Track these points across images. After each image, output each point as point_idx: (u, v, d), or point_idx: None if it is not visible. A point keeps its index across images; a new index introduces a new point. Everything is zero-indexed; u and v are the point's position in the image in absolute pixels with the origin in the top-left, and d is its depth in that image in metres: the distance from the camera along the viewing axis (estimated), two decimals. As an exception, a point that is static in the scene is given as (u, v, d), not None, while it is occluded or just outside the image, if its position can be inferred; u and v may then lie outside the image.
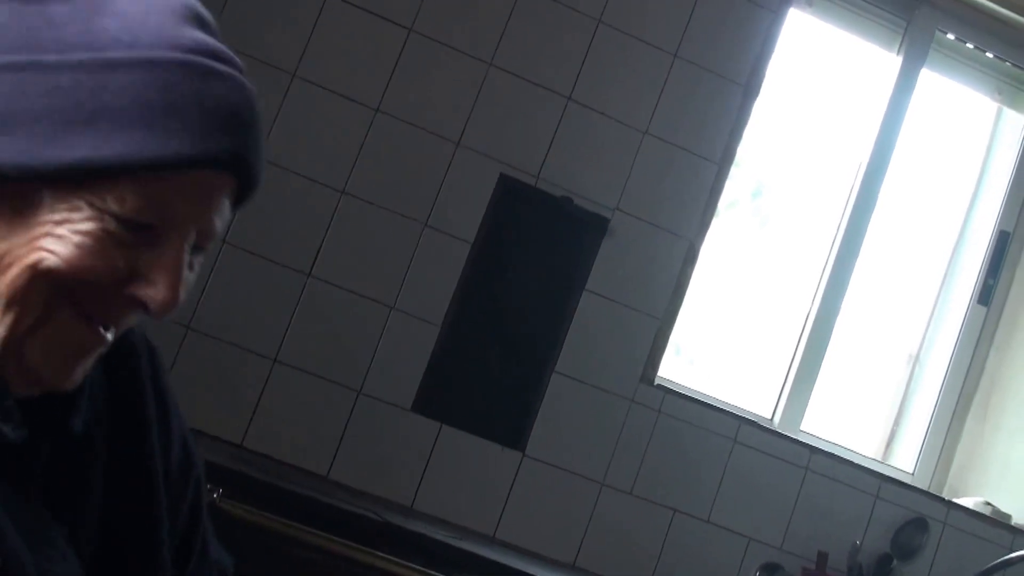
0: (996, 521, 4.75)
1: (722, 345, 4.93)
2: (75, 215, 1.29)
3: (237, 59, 1.39)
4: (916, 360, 5.08)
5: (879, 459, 5.00)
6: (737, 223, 4.92)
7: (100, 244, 1.30)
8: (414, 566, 3.39)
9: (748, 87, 4.58)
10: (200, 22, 1.37)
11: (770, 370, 4.89)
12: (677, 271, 4.50)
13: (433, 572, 3.41)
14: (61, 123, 1.27)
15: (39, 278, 1.29)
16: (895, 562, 4.59)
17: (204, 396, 4.05)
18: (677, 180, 4.51)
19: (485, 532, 4.31)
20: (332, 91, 4.23)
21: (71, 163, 1.27)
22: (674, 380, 4.65)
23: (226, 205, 1.40)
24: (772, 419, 4.80)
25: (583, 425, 4.40)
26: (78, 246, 1.29)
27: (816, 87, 5.04)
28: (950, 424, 4.99)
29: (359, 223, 4.24)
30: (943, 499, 4.78)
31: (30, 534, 1.33)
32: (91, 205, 1.29)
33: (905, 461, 4.99)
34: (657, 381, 4.50)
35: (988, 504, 4.76)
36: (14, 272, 1.29)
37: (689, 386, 4.68)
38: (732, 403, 4.73)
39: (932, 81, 5.11)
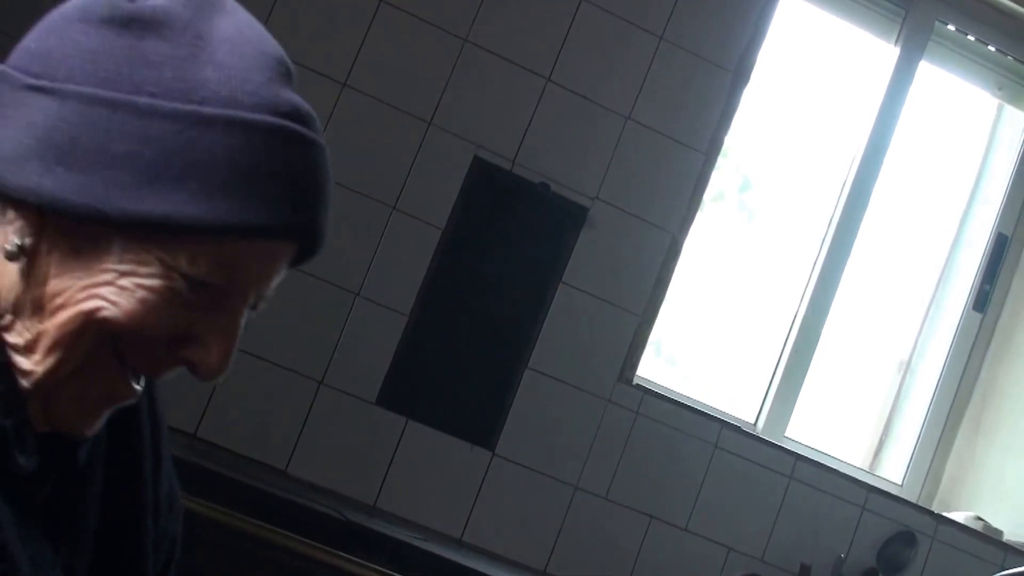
0: (987, 537, 4.63)
1: (705, 345, 4.81)
2: (142, 268, 1.26)
3: (315, 116, 1.37)
4: (907, 367, 4.97)
5: (867, 469, 4.88)
6: (723, 217, 4.78)
7: (164, 302, 1.27)
8: (376, 567, 3.30)
9: (737, 74, 4.44)
10: (289, 78, 1.36)
11: (754, 373, 4.77)
12: (659, 265, 4.37)
13: (395, 574, 3.32)
14: (145, 174, 1.23)
15: (92, 326, 1.26)
16: (881, 576, 4.46)
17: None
18: (661, 169, 4.37)
19: (452, 534, 4.17)
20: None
21: (151, 218, 1.24)
22: (654, 380, 4.51)
23: (284, 268, 1.38)
24: (756, 424, 4.67)
25: (557, 425, 4.26)
26: (141, 301, 1.26)
27: (809, 77, 4.92)
28: (941, 434, 4.87)
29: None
30: (932, 512, 4.67)
31: (37, 564, 1.31)
32: (161, 261, 1.26)
33: (894, 472, 4.87)
34: (636, 381, 4.37)
35: (979, 519, 4.65)
36: (67, 315, 1.26)
37: (669, 387, 4.54)
38: (714, 406, 4.59)
39: (931, 74, 4.98)
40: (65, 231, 1.26)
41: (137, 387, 1.35)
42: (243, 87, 1.27)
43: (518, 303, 4.22)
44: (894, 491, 4.71)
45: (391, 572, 3.30)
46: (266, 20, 3.98)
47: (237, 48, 1.30)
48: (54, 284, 1.27)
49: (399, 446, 4.11)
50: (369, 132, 4.12)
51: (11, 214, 1.27)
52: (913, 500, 4.72)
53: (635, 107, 4.34)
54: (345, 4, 4.14)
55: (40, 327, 1.28)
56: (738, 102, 4.46)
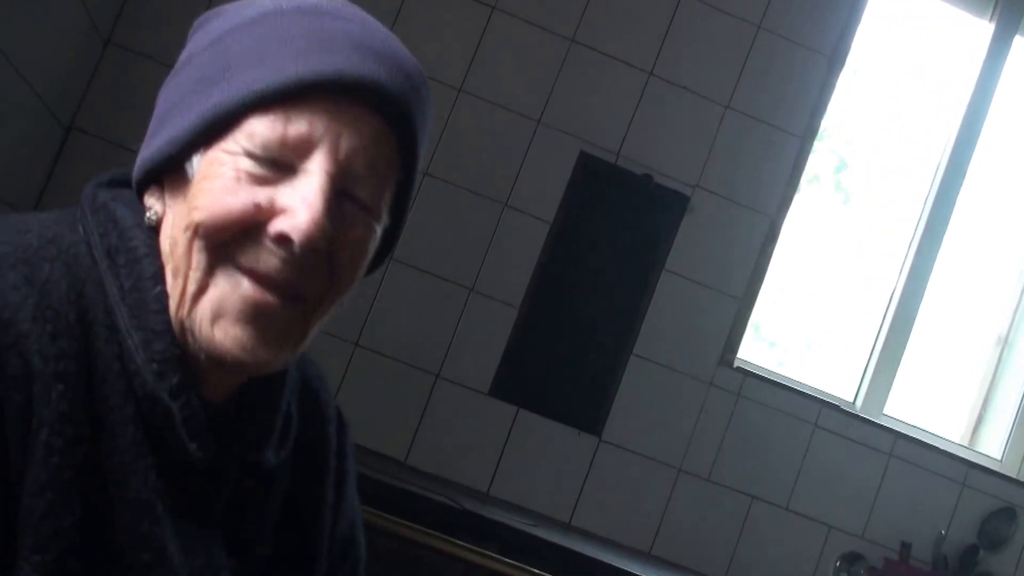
0: (1088, 511, 4.61)
1: (803, 326, 4.80)
2: (214, 167, 1.35)
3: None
4: (1005, 342, 4.93)
5: (966, 445, 4.86)
6: (820, 199, 4.79)
7: (235, 184, 1.33)
8: (489, 553, 3.38)
9: (833, 58, 4.46)
10: None
11: (852, 352, 4.77)
12: (757, 249, 4.42)
13: (508, 559, 3.39)
14: (196, 92, 1.38)
15: (195, 237, 1.33)
16: (982, 553, 4.49)
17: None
18: (758, 155, 4.41)
19: (561, 519, 4.25)
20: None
21: (202, 117, 1.35)
22: (754, 362, 4.55)
23: (372, 146, 1.39)
24: (854, 403, 4.69)
25: (660, 409, 4.33)
26: (215, 190, 1.34)
27: (904, 57, 4.89)
28: (1041, 408, 4.83)
29: (439, 204, 4.19)
30: (1033, 487, 4.66)
31: (195, 555, 1.37)
32: (226, 152, 1.35)
33: (993, 447, 4.84)
34: (736, 363, 4.42)
35: (1080, 493, 4.62)
36: (179, 242, 1.35)
37: (769, 369, 4.58)
38: (813, 386, 4.62)
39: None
40: (173, 186, 1.40)
41: (268, 295, 1.34)
42: None
43: (623, 292, 4.29)
44: (994, 467, 4.70)
45: (503, 557, 3.38)
46: (391, 25, 4.08)
47: None
48: (172, 228, 1.38)
49: (510, 435, 4.21)
50: (482, 133, 4.22)
51: (147, 199, 1.43)
52: (1013, 475, 4.70)
53: (733, 95, 4.38)
54: (460, 14, 4.24)
55: (172, 267, 1.36)
56: (834, 86, 4.48)
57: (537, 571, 3.41)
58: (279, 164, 1.34)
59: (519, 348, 4.22)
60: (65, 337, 1.26)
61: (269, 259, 1.33)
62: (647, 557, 4.27)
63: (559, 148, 4.27)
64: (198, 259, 1.33)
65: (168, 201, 1.40)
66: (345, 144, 1.36)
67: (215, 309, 1.33)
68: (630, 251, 4.30)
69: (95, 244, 1.36)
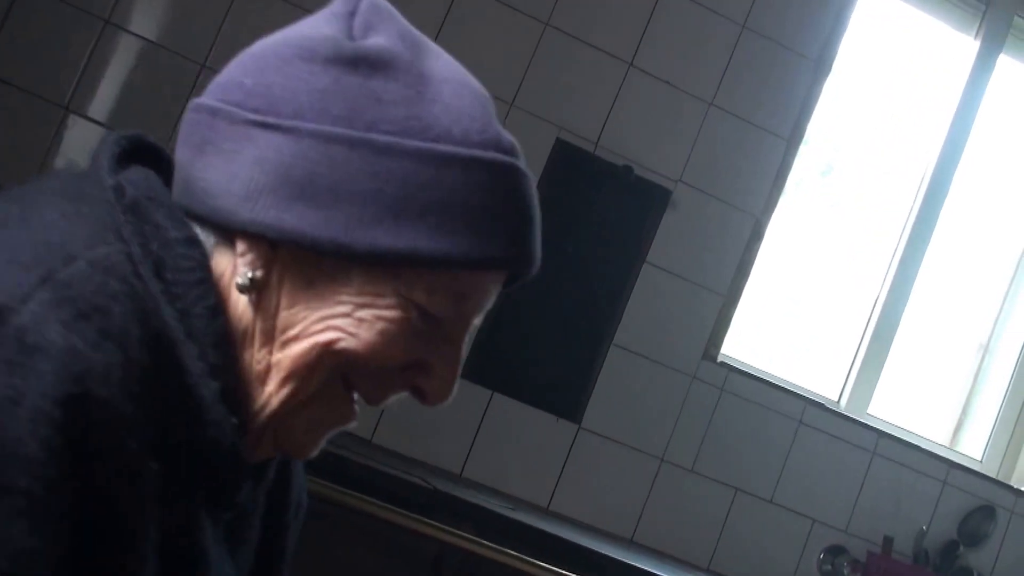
0: (1067, 513, 4.64)
1: (788, 325, 4.83)
2: (380, 300, 1.29)
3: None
4: (986, 349, 5.00)
5: (947, 445, 4.91)
6: (806, 201, 4.82)
7: (401, 333, 1.29)
8: (463, 534, 3.36)
9: (819, 63, 4.51)
10: (495, 111, 1.38)
11: (838, 352, 4.81)
12: (742, 247, 4.44)
13: (483, 541, 3.37)
14: (388, 209, 1.25)
15: (328, 356, 1.28)
16: (962, 549, 4.54)
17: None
18: (744, 154, 4.44)
19: (539, 503, 4.25)
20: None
21: (396, 252, 1.26)
22: (738, 358, 4.57)
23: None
24: (839, 401, 4.73)
25: (642, 400, 4.34)
26: (380, 332, 1.28)
27: (890, 67, 4.95)
28: (1020, 413, 4.89)
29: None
30: (1012, 487, 4.71)
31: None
32: (398, 293, 1.29)
33: (974, 448, 4.90)
34: (720, 358, 4.44)
35: (1058, 495, 4.66)
36: (302, 347, 1.28)
37: (754, 365, 4.60)
38: (798, 384, 4.65)
39: (1011, 68, 5.02)
40: (298, 263, 1.28)
41: (356, 409, 1.36)
42: (472, 126, 1.30)
43: (603, 282, 4.30)
44: (974, 467, 4.75)
45: (479, 539, 3.36)
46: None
47: (457, 88, 1.33)
48: (286, 315, 1.29)
49: (484, 418, 4.20)
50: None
51: (241, 247, 1.28)
52: (993, 475, 4.75)
53: (717, 93, 4.42)
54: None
55: (272, 358, 1.29)
56: (820, 91, 4.53)
57: (514, 553, 3.38)
58: (437, 323, 1.32)
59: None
60: (149, 398, 1.16)
61: (388, 393, 1.36)
62: (629, 544, 4.28)
63: (534, 133, 4.25)
64: (323, 377, 1.30)
65: (282, 275, 1.30)
66: (487, 307, 1.38)
67: (312, 422, 1.34)
68: (610, 241, 4.31)
69: (137, 257, 1.22)
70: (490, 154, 1.30)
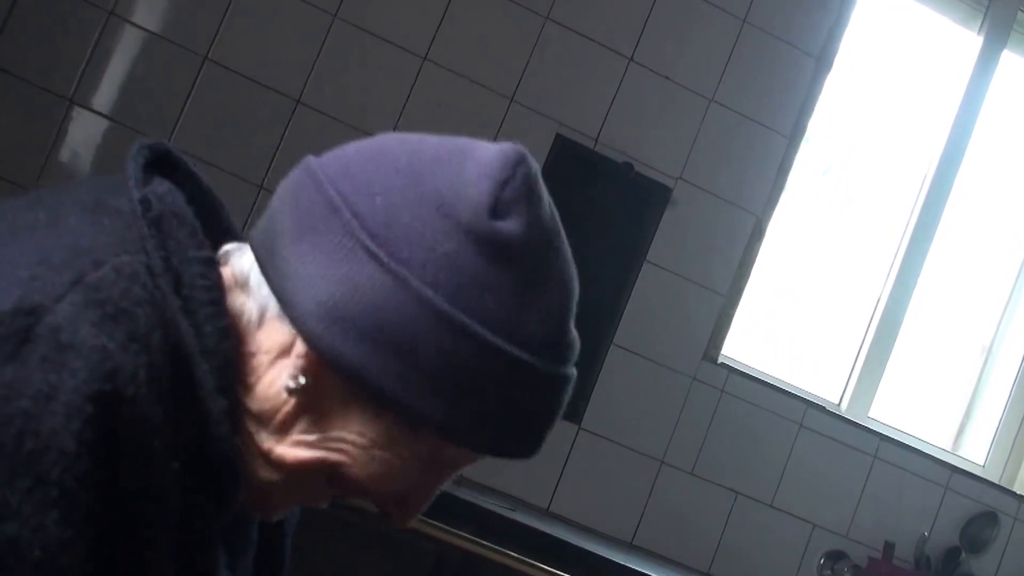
0: (1070, 518, 4.62)
1: (790, 326, 4.81)
2: (396, 446, 1.32)
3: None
4: (989, 352, 4.97)
5: (949, 450, 4.89)
6: (808, 199, 4.79)
7: (400, 475, 1.34)
8: (464, 535, 3.36)
9: (821, 59, 4.47)
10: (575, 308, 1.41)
11: (839, 354, 4.78)
12: (743, 247, 4.41)
13: (483, 541, 3.37)
14: (443, 384, 1.26)
15: (327, 471, 1.33)
16: (963, 555, 4.51)
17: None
18: (745, 152, 4.40)
19: (539, 505, 4.22)
20: (376, 35, 4.12)
21: (433, 420, 1.27)
22: (738, 359, 4.53)
23: None
24: (840, 404, 4.70)
25: (643, 400, 4.31)
26: (384, 471, 1.32)
27: (892, 64, 4.92)
28: (1023, 417, 4.86)
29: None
30: (1015, 493, 4.68)
31: None
32: (411, 446, 1.33)
33: (976, 453, 4.88)
34: (720, 360, 4.40)
35: (1061, 500, 4.64)
36: (310, 455, 1.32)
37: (754, 366, 4.57)
38: (798, 386, 4.62)
39: (1014, 64, 4.99)
40: (342, 386, 1.29)
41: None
42: (554, 339, 1.32)
43: (603, 280, 4.26)
44: (977, 472, 4.72)
45: (479, 539, 3.36)
46: None
47: (560, 294, 1.34)
48: (309, 421, 1.32)
49: (486, 418, 4.15)
50: (451, 106, 4.17)
51: (300, 349, 1.29)
52: (995, 481, 4.72)
53: (718, 89, 4.37)
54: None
55: (277, 448, 1.33)
56: (821, 87, 4.49)
57: (514, 554, 3.38)
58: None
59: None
60: (170, 399, 1.22)
61: (357, 499, 1.39)
62: (629, 547, 4.25)
63: (534, 128, 4.22)
64: (316, 481, 1.35)
65: (322, 384, 1.31)
66: None
67: (288, 499, 1.39)
68: (609, 239, 4.27)
69: (157, 269, 1.26)
70: (556, 367, 1.31)
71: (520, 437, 1.33)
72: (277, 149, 4.03)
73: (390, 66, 4.14)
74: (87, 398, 1.11)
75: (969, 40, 4.87)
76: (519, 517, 3.67)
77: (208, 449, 1.26)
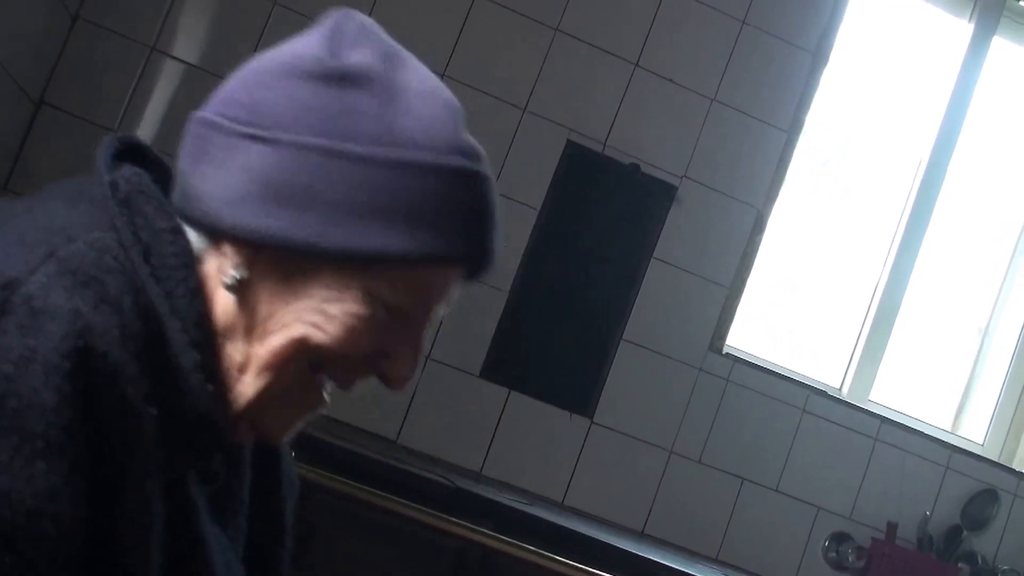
0: (1068, 494, 4.69)
1: (791, 314, 4.88)
2: (348, 296, 1.38)
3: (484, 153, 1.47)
4: (986, 331, 5.04)
5: (949, 430, 4.95)
6: (806, 192, 4.86)
7: (367, 327, 1.39)
8: (484, 530, 3.41)
9: (817, 54, 4.55)
10: (463, 121, 1.48)
11: (839, 340, 4.86)
12: (745, 239, 4.49)
13: (502, 536, 3.43)
14: (358, 213, 1.35)
15: (301, 349, 1.38)
16: (965, 533, 4.57)
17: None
18: (745, 148, 4.49)
19: (554, 498, 4.31)
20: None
21: (363, 251, 1.35)
22: (742, 349, 4.62)
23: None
24: (841, 389, 4.78)
25: (651, 393, 4.40)
26: (347, 327, 1.38)
27: (886, 55, 4.98)
28: (1021, 394, 4.93)
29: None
30: (1014, 470, 4.75)
31: (219, 548, 1.44)
32: (366, 290, 1.38)
33: (975, 432, 4.95)
34: (725, 350, 4.49)
35: (1060, 476, 4.71)
36: (278, 340, 1.38)
37: (757, 355, 4.65)
38: (801, 372, 4.70)
39: (1005, 50, 5.05)
40: (277, 264, 1.38)
41: (328, 397, 1.47)
42: (439, 135, 1.40)
43: (612, 278, 4.36)
44: (976, 451, 4.79)
45: (498, 535, 3.42)
46: (371, 11, 4.14)
47: (427, 99, 1.42)
48: (265, 311, 1.38)
49: (502, 416, 4.27)
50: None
51: (227, 248, 1.38)
52: (995, 459, 4.79)
53: (719, 89, 4.46)
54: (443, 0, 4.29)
55: (251, 350, 1.39)
56: (818, 81, 4.57)
57: (532, 548, 3.43)
58: (400, 315, 1.42)
59: (509, 332, 4.27)
60: (144, 356, 1.28)
61: (355, 381, 1.46)
62: (640, 536, 4.34)
63: (546, 136, 4.33)
64: (296, 369, 1.40)
65: (261, 272, 1.39)
66: (448, 300, 1.48)
67: (284, 411, 1.44)
68: (618, 239, 4.37)
69: (127, 242, 1.33)
70: (454, 160, 1.40)
71: (459, 237, 1.39)
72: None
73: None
74: (63, 355, 1.18)
75: (960, 28, 4.93)
76: (536, 511, 3.71)
77: (185, 402, 1.32)
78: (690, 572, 3.70)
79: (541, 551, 3.45)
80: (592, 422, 4.34)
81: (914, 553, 4.48)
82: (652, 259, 4.39)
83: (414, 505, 3.35)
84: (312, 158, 1.35)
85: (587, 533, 3.71)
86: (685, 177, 4.41)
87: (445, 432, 4.23)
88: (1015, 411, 4.91)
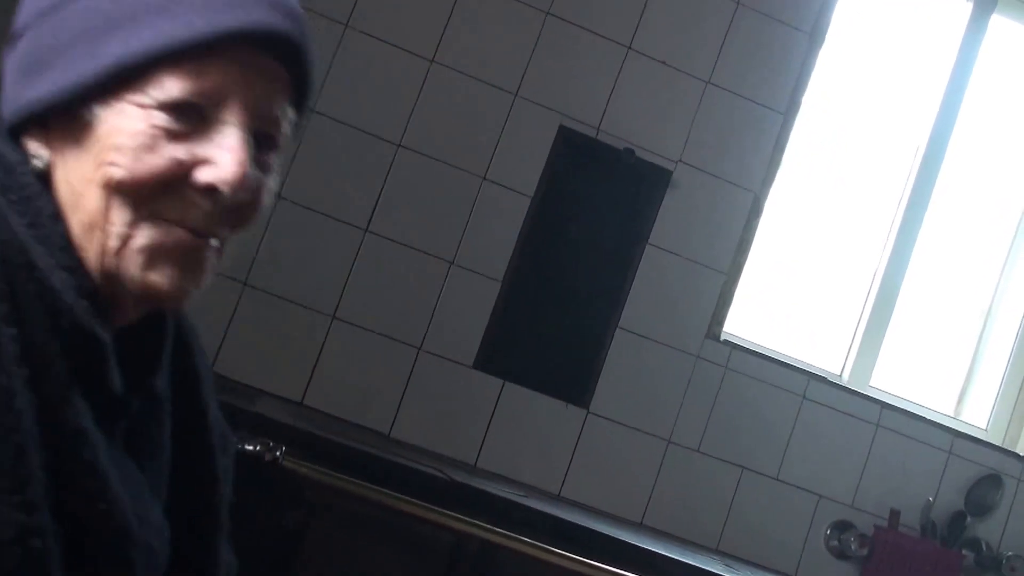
0: (1073, 477, 4.65)
1: (789, 299, 4.83)
2: (124, 120, 1.35)
3: None
4: (988, 314, 4.99)
5: (951, 415, 4.91)
6: (804, 173, 4.81)
7: (154, 140, 1.36)
8: (480, 523, 3.38)
9: (813, 35, 4.50)
10: None
11: (839, 324, 4.81)
12: (742, 224, 4.44)
13: (498, 529, 3.40)
14: (93, 38, 1.36)
15: (113, 193, 1.36)
16: (969, 519, 4.54)
17: (264, 354, 4.04)
18: (741, 131, 4.44)
19: (550, 490, 4.27)
20: (386, 42, 4.17)
21: (107, 66, 1.35)
22: (740, 335, 4.57)
23: (277, 93, 1.45)
24: (841, 375, 4.73)
25: (648, 382, 4.35)
26: (135, 148, 1.35)
27: (883, 34, 4.92)
28: (1024, 378, 4.88)
29: (416, 177, 4.19)
30: (1018, 455, 4.71)
31: (127, 483, 1.39)
32: (137, 105, 1.35)
33: (978, 416, 4.90)
34: (723, 337, 4.45)
35: (1064, 459, 4.67)
36: (90, 196, 1.37)
37: (756, 342, 4.61)
38: (800, 358, 4.65)
39: (1004, 28, 5.00)
40: (65, 131, 1.39)
41: (206, 240, 1.41)
42: None
43: (607, 265, 4.31)
44: (979, 435, 4.75)
45: (494, 527, 3.38)
46: (355, 2, 4.11)
47: None
48: (73, 177, 1.38)
49: (497, 407, 4.23)
50: (458, 106, 4.22)
51: (27, 142, 1.41)
52: (998, 443, 4.75)
53: (714, 71, 4.41)
54: (430, -17, 4.24)
55: (82, 218, 1.37)
56: (814, 62, 4.52)
57: (529, 540, 3.41)
58: (194, 117, 1.38)
59: (503, 321, 4.23)
60: (4, 282, 1.28)
61: (195, 211, 1.39)
62: (639, 527, 4.30)
63: (537, 122, 4.29)
64: (120, 215, 1.36)
65: (58, 147, 1.41)
66: (256, 93, 1.42)
67: (148, 257, 1.38)
68: (613, 225, 4.32)
69: None
70: None
71: (190, 16, 1.36)
72: (293, 158, 4.08)
73: (397, 69, 4.19)
74: None
75: (958, 6, 4.88)
76: (532, 503, 3.69)
77: (62, 320, 1.32)
78: (690, 563, 3.67)
79: (538, 543, 3.44)
80: (588, 412, 4.30)
81: (917, 540, 4.44)
82: (647, 245, 4.35)
83: (409, 499, 3.32)
84: (45, 21, 1.39)
85: (585, 525, 3.70)
86: (680, 162, 4.37)
87: (439, 424, 4.19)
88: (1018, 395, 4.87)
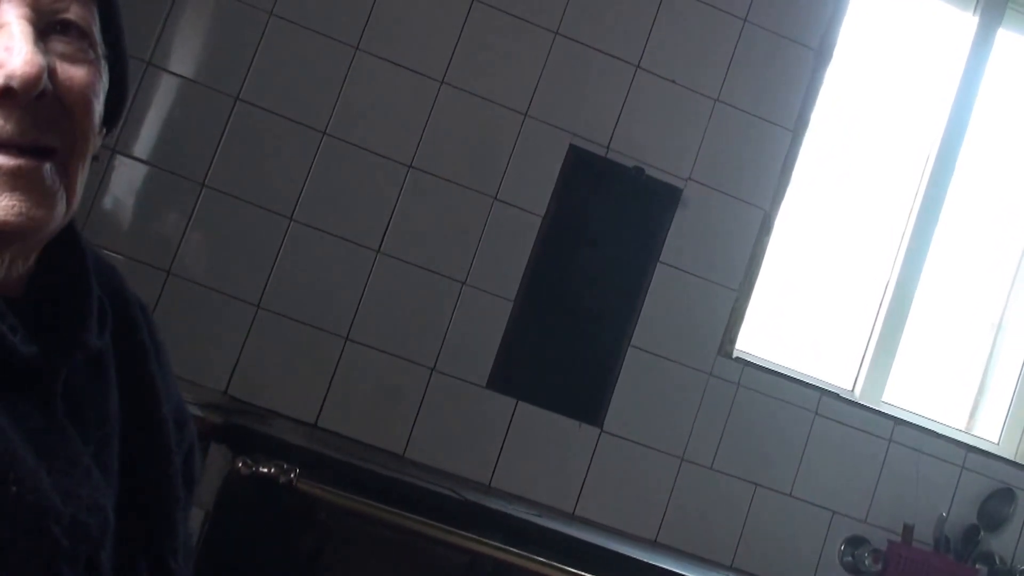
0: (1086, 491, 4.64)
1: (801, 316, 4.83)
2: None
3: None
4: (999, 327, 4.98)
5: (963, 429, 4.91)
6: (813, 190, 4.82)
7: None
8: (494, 543, 3.37)
9: (820, 51, 4.51)
10: None
11: (850, 340, 4.81)
12: (753, 241, 4.45)
13: (513, 549, 3.38)
14: None
15: None
16: (982, 533, 4.53)
17: (277, 375, 4.04)
18: (750, 148, 4.44)
19: (564, 509, 4.27)
20: (397, 64, 4.19)
21: None
22: (753, 352, 4.57)
23: None
24: (853, 390, 4.73)
25: (661, 400, 4.35)
26: None
27: (891, 50, 4.93)
28: (1036, 392, 4.87)
29: (427, 198, 4.20)
30: (1030, 469, 4.69)
31: (52, 455, 1.30)
32: None
33: (990, 431, 4.90)
34: (735, 354, 4.44)
35: (1077, 473, 4.65)
36: None
37: (768, 358, 4.60)
38: (812, 375, 4.65)
39: (1010, 42, 5.01)
40: None
41: (15, 159, 1.31)
42: None
43: (618, 284, 4.32)
44: (991, 449, 4.75)
45: (508, 547, 3.37)
46: (367, 19, 4.12)
47: None
48: None
49: (510, 427, 4.23)
50: (466, 126, 4.23)
51: None
52: (1010, 457, 4.75)
53: (723, 89, 4.42)
54: (440, 3, 4.25)
55: None
56: (822, 79, 4.53)
57: (543, 560, 3.39)
58: None
59: (515, 341, 4.24)
60: None
61: (9, 119, 1.29)
62: (653, 545, 4.29)
63: (548, 142, 4.29)
64: None
65: None
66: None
67: None
68: (624, 243, 4.32)
69: None
70: None
71: None
72: (306, 180, 4.10)
73: (408, 91, 4.20)
74: None
75: (965, 21, 4.90)
76: (546, 523, 3.67)
77: None
78: (705, 581, 3.67)
79: (553, 563, 3.41)
80: (602, 431, 4.30)
81: (931, 555, 4.44)
82: (659, 263, 4.35)
83: (423, 519, 3.30)
84: None
85: (599, 543, 3.68)
86: (690, 179, 4.37)
87: (453, 444, 4.19)
88: (1030, 408, 4.85)
